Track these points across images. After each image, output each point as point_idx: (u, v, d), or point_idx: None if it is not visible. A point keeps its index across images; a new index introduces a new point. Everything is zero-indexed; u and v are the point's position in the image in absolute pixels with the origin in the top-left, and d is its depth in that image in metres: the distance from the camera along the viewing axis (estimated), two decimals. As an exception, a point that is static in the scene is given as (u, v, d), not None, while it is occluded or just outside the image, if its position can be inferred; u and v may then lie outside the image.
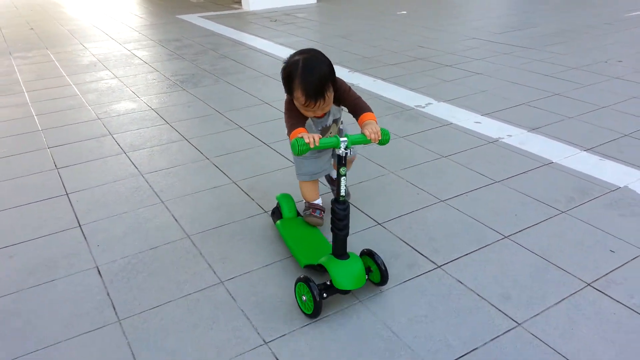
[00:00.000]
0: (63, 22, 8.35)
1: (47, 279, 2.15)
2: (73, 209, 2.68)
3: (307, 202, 2.41)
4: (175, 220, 2.55)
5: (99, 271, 2.20)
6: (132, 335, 1.85)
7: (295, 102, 1.97)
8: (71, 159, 3.24)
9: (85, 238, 2.43)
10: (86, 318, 1.94)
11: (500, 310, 1.91)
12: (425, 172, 2.94)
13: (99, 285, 2.11)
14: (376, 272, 1.96)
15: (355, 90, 2.08)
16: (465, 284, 2.05)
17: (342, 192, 1.83)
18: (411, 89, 4.40)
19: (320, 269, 1.95)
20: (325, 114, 2.08)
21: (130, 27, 7.75)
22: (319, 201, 2.42)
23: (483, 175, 2.89)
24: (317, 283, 1.82)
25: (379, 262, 1.94)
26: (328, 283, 1.87)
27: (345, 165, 1.81)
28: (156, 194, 2.79)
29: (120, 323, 1.91)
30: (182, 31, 7.34)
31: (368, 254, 1.98)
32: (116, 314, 1.95)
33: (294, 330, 1.83)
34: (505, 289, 2.02)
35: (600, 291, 1.99)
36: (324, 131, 2.15)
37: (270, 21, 7.91)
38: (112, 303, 2.01)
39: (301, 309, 1.89)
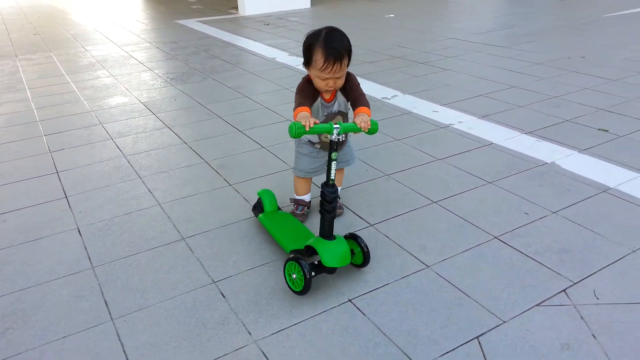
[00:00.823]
0: (67, 27, 8.80)
1: (34, 238, 2.51)
2: (61, 184, 3.05)
3: (292, 198, 2.56)
4: (150, 191, 2.91)
5: (79, 231, 2.56)
6: (102, 278, 2.20)
7: (312, 73, 2.06)
8: (63, 145, 3.62)
9: (69, 206, 2.80)
10: (66, 266, 2.29)
11: (415, 256, 2.24)
12: (377, 152, 3.28)
13: (78, 242, 2.47)
14: (359, 255, 2.07)
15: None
16: (390, 237, 2.38)
17: (332, 176, 1.94)
18: (382, 84, 4.74)
19: (306, 252, 2.07)
20: (334, 98, 2.17)
21: (130, 31, 8.16)
22: (306, 197, 2.53)
23: (428, 154, 3.23)
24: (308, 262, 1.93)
25: (362, 245, 2.05)
26: (316, 262, 1.97)
27: (336, 150, 1.93)
28: (135, 172, 3.15)
29: (93, 269, 2.26)
30: (179, 34, 7.74)
31: (352, 237, 2.09)
32: (91, 263, 2.31)
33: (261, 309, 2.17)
34: (423, 241, 2.35)
35: (504, 242, 2.32)
36: (328, 118, 2.20)
37: (263, 25, 8.29)
38: (88, 255, 2.37)
39: (290, 288, 2.00)
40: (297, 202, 2.53)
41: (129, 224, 2.59)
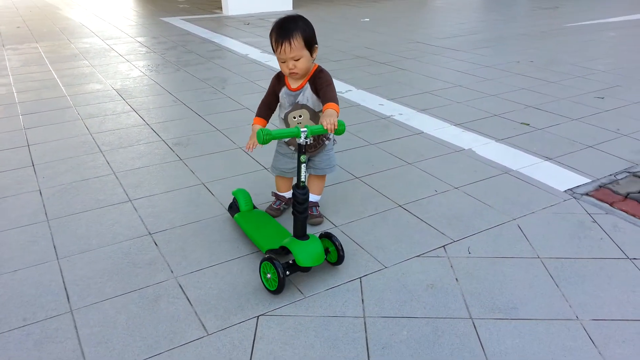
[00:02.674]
0: (56, 21, 9.14)
1: (1, 196, 2.86)
2: (30, 155, 3.40)
3: (274, 192, 2.64)
4: (107, 163, 3.27)
5: (40, 192, 2.91)
6: (54, 228, 2.55)
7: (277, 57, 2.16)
8: (37, 123, 3.97)
9: (35, 173, 3.15)
10: (25, 218, 2.64)
11: (327, 219, 2.61)
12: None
13: (38, 200, 2.83)
14: (334, 253, 2.14)
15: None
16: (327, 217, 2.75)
17: (303, 178, 1.99)
18: (340, 80, 5.12)
19: (282, 251, 2.12)
20: (300, 89, 2.21)
21: (115, 27, 8.52)
22: (287, 194, 2.60)
23: (363, 139, 3.61)
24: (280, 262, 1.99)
25: (337, 244, 2.11)
26: (290, 262, 2.02)
27: (305, 153, 1.96)
28: (98, 146, 3.51)
29: (48, 222, 2.61)
30: (161, 31, 8.11)
31: (327, 237, 2.14)
32: (46, 216, 2.66)
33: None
34: (337, 207, 2.71)
35: (406, 209, 2.70)
36: (292, 109, 2.25)
37: (243, 24, 8.67)
38: (45, 210, 2.72)
39: (265, 287, 2.05)
40: (276, 197, 2.62)
41: (85, 187, 2.95)
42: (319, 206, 2.60)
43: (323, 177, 2.55)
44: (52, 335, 1.85)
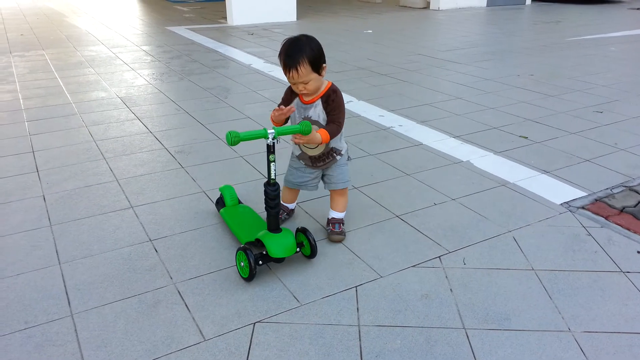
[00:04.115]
0: (62, 29, 9.26)
1: (5, 201, 2.91)
2: (35, 161, 3.45)
3: None
4: (111, 169, 3.32)
5: (44, 198, 2.96)
6: (57, 233, 2.59)
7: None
8: (42, 130, 4.03)
9: (39, 179, 3.20)
10: (28, 223, 2.69)
11: (324, 227, 2.65)
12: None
13: (41, 206, 2.88)
14: (307, 247, 2.27)
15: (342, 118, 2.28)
16: (309, 213, 2.79)
17: (272, 176, 2.11)
18: (342, 91, 5.16)
19: (258, 243, 2.24)
20: (312, 103, 2.25)
21: (121, 35, 8.62)
22: (290, 205, 2.67)
23: (363, 150, 3.65)
24: (254, 253, 2.13)
25: (310, 238, 2.23)
26: (264, 253, 2.16)
27: (273, 153, 2.07)
28: (101, 153, 3.57)
29: (51, 227, 2.66)
30: (167, 40, 8.20)
31: (302, 231, 2.27)
32: (50, 222, 2.71)
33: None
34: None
35: (403, 220, 2.74)
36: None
37: (247, 34, 8.77)
38: (49, 216, 2.77)
39: (239, 274, 2.21)
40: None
41: (88, 194, 3.00)
42: (343, 223, 2.57)
43: (343, 193, 2.53)
44: (53, 339, 1.89)
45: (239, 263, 2.20)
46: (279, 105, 2.30)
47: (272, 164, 2.11)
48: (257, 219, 2.52)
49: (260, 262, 2.15)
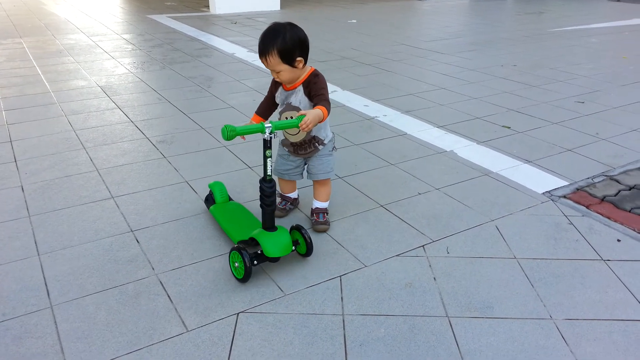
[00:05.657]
0: (41, 17, 9.06)
1: (-19, 191, 2.85)
2: (13, 151, 3.38)
3: (279, 192, 2.67)
4: (91, 159, 3.26)
5: (22, 189, 2.90)
6: (36, 224, 2.54)
7: None
8: (20, 119, 3.94)
9: (17, 169, 3.13)
10: (6, 214, 2.63)
11: (309, 217, 2.63)
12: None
13: (20, 196, 2.82)
14: (303, 245, 2.20)
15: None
16: (299, 209, 2.77)
17: (269, 172, 2.05)
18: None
19: (252, 242, 2.16)
20: (293, 87, 2.23)
21: (101, 23, 8.47)
22: (291, 194, 2.65)
23: (347, 140, 3.64)
24: (249, 252, 2.05)
25: (306, 236, 2.18)
26: (259, 252, 2.08)
27: (270, 148, 2.02)
28: (81, 143, 3.51)
29: (29, 218, 2.61)
30: (148, 28, 8.08)
31: (297, 229, 2.21)
32: (28, 212, 2.65)
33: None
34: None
35: (387, 209, 2.73)
36: (285, 109, 2.29)
37: (230, 23, 8.67)
38: (27, 206, 2.71)
39: (233, 274, 2.12)
40: (282, 197, 2.65)
41: (68, 184, 2.94)
42: (327, 213, 2.57)
43: (325, 183, 2.51)
44: (32, 330, 1.85)
45: (233, 264, 2.11)
46: (256, 112, 2.39)
47: (268, 160, 2.03)
48: (250, 217, 2.43)
49: (256, 262, 2.06)
